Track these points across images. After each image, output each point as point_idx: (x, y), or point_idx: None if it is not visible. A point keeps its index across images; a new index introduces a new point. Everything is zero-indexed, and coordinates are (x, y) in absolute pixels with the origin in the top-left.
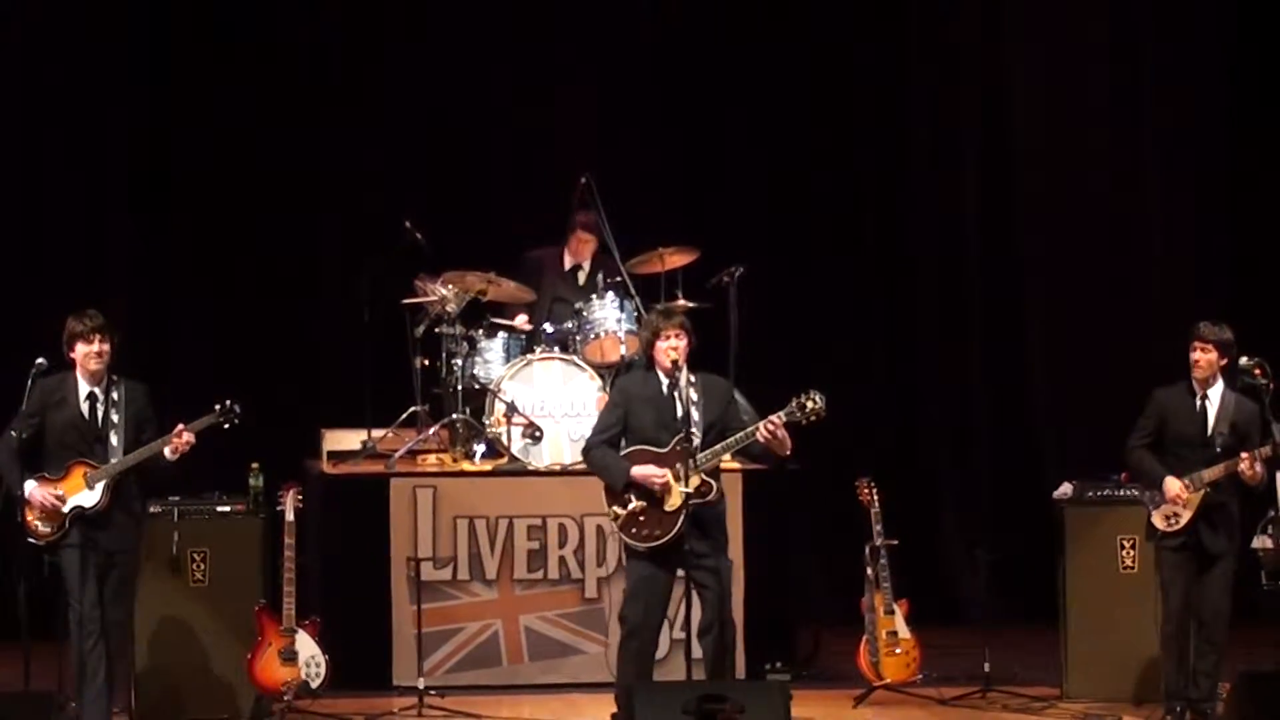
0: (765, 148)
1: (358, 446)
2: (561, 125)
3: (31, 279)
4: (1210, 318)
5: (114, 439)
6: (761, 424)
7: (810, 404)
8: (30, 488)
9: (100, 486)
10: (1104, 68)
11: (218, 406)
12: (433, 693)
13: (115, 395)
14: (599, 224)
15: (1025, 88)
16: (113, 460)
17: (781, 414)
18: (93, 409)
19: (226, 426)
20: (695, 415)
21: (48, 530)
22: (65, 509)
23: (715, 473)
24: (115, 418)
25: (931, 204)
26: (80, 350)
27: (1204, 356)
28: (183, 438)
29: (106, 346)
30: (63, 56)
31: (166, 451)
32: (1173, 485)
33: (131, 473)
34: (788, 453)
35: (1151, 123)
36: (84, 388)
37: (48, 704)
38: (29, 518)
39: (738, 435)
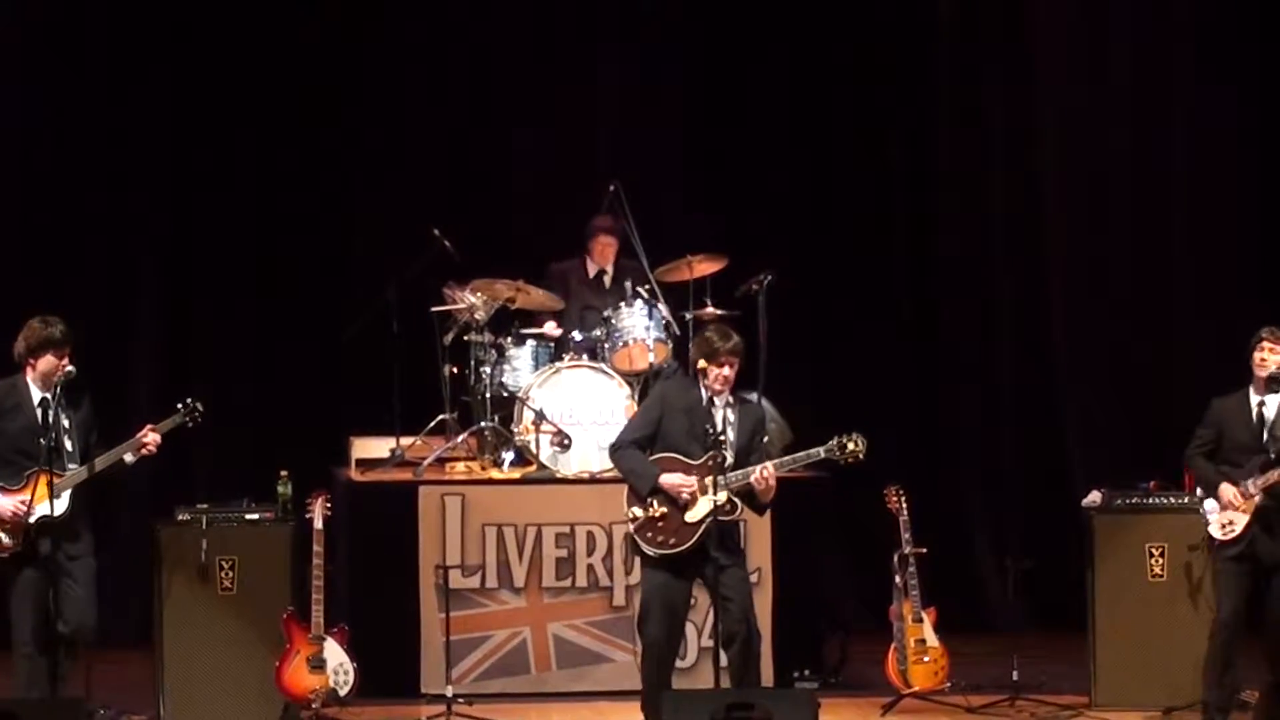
0: (794, 154)
1: (386, 454)
2: (590, 132)
3: (60, 282)
4: (1242, 325)
5: (68, 445)
6: (758, 469)
7: (851, 445)
8: None
9: (66, 495)
10: (1133, 68)
11: (180, 405)
12: (461, 700)
13: (64, 400)
14: (618, 226)
15: (1053, 88)
16: (72, 467)
17: (770, 465)
18: (45, 415)
19: (190, 425)
20: (730, 435)
21: (11, 542)
22: (31, 519)
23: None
24: (66, 423)
25: (959, 208)
26: (48, 360)
27: (1272, 357)
28: (149, 439)
29: (67, 361)
30: (100, 51)
31: (128, 456)
32: (1226, 491)
33: (91, 479)
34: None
35: (1184, 123)
36: (36, 394)
37: (77, 712)
38: None
39: (746, 470)
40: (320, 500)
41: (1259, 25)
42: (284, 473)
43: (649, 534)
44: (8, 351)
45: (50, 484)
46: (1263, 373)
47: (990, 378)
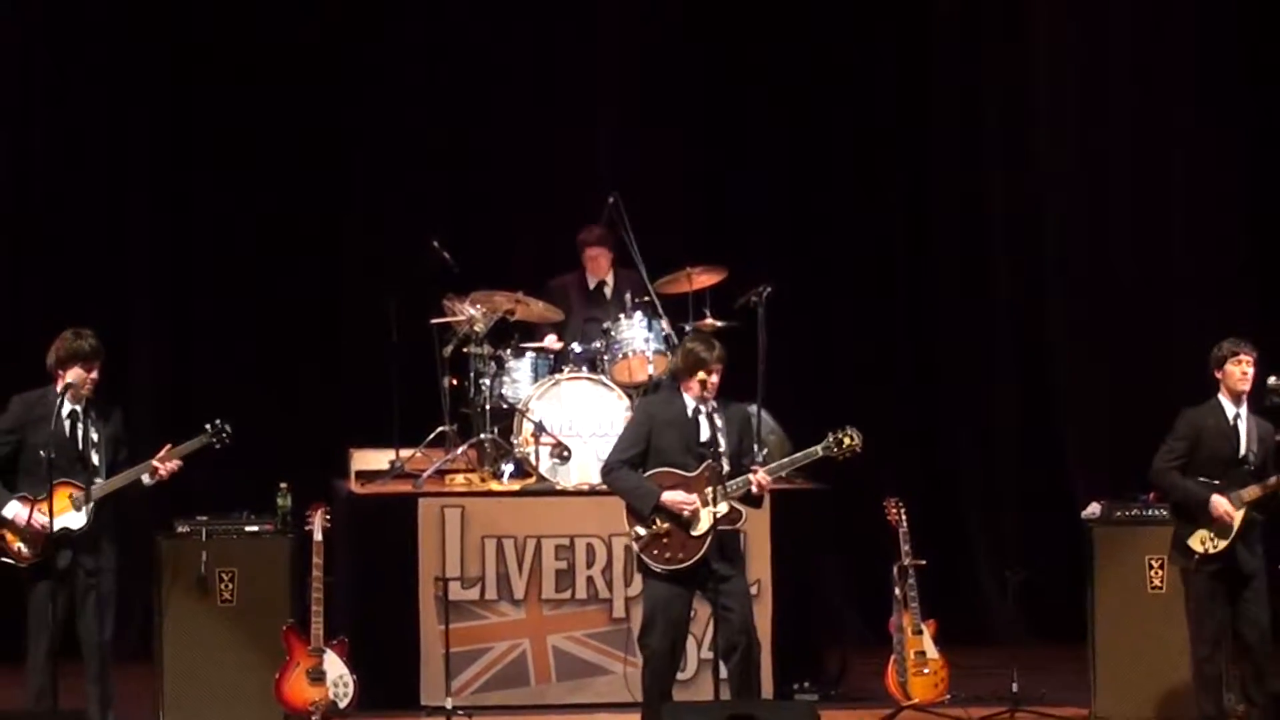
0: (792, 161)
1: (386, 466)
2: (590, 144)
3: (58, 284)
4: (1236, 336)
5: (95, 459)
6: (754, 481)
7: (847, 440)
8: (15, 509)
9: (87, 509)
10: (1131, 68)
11: (208, 426)
12: (460, 712)
13: (94, 414)
14: (608, 236)
15: (1052, 87)
16: (97, 481)
17: (763, 470)
18: (74, 428)
19: (218, 446)
20: (721, 441)
21: (30, 553)
22: (55, 529)
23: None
24: (95, 437)
25: (959, 209)
26: (77, 373)
27: (1252, 369)
28: (168, 464)
29: (97, 374)
30: (100, 50)
31: (145, 478)
32: (1221, 503)
33: (114, 493)
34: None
35: (1185, 124)
36: (66, 405)
37: None
38: (9, 540)
39: (743, 478)
40: (320, 512)
41: (1260, 23)
42: (284, 485)
43: (655, 551)
44: (3, 354)
45: (72, 497)
46: (1245, 386)
47: (990, 389)
